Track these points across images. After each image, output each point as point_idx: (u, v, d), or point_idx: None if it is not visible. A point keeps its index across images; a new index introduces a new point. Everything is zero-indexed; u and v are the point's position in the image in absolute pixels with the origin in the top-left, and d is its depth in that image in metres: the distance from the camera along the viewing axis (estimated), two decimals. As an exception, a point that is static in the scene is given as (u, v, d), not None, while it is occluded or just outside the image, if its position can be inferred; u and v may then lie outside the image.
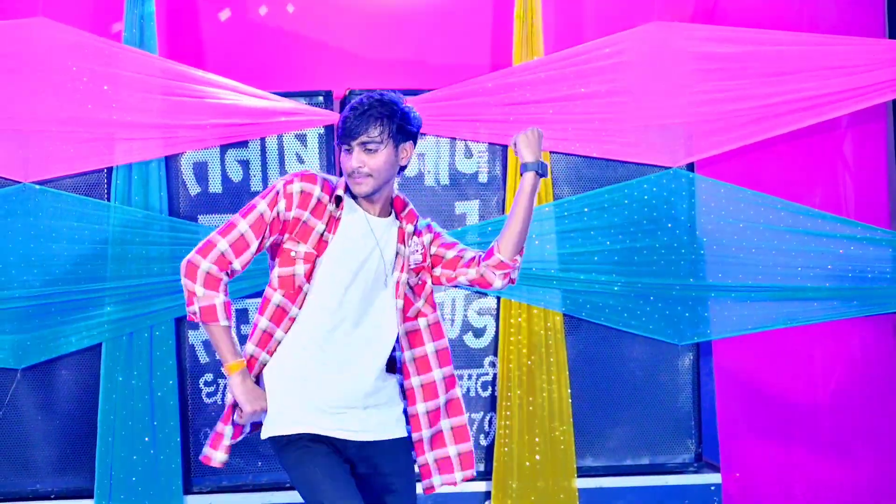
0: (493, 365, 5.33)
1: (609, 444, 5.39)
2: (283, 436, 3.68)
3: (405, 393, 3.77)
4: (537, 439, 5.26)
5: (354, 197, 3.69)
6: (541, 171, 3.76)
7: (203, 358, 5.19)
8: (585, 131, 5.27)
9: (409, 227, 3.75)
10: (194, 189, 5.17)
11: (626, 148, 5.28)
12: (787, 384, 5.56)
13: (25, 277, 5.02)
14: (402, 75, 5.50)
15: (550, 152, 5.27)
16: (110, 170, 5.09)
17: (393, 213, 3.77)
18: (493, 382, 5.33)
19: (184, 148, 5.13)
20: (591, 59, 5.27)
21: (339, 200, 3.64)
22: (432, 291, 3.83)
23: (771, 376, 5.54)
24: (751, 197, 5.36)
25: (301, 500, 3.65)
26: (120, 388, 5.07)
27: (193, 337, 5.19)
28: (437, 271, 3.84)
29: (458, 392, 3.83)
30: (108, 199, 5.09)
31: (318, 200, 3.62)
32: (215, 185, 5.17)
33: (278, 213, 3.60)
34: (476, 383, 5.33)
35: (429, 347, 3.78)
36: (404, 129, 3.63)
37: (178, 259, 5.03)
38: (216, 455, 3.81)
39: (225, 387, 5.18)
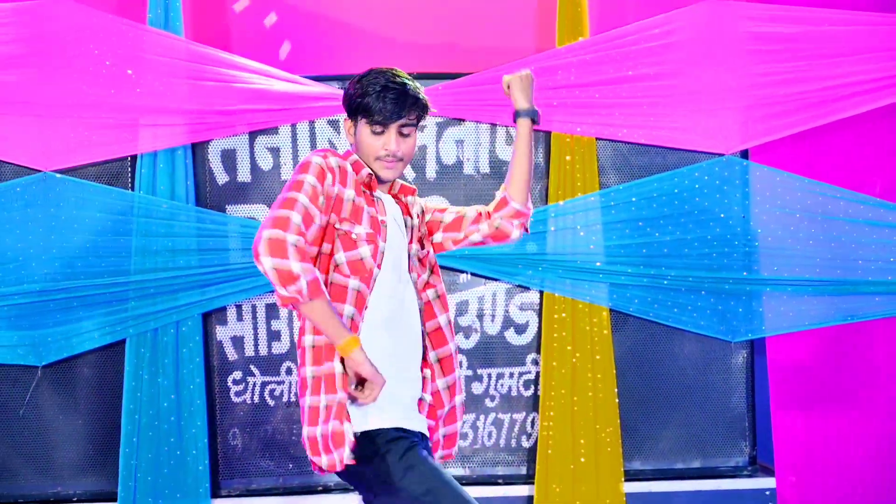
0: (535, 363, 5.15)
1: (658, 447, 5.21)
2: (378, 429, 3.43)
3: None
4: (582, 441, 5.08)
5: None
6: (535, 119, 3.74)
7: (231, 355, 5.04)
8: (633, 116, 5.08)
9: (410, 198, 3.68)
10: (222, 178, 5.02)
11: (676, 134, 5.09)
12: (846, 384, 5.36)
13: (46, 270, 4.89)
14: (440, 58, 5.34)
15: (596, 138, 5.08)
16: (134, 158, 4.96)
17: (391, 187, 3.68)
18: (536, 381, 5.15)
19: (211, 135, 4.97)
20: (639, 41, 5.08)
21: (370, 179, 3.53)
22: (436, 261, 3.70)
23: (829, 375, 5.35)
24: (808, 186, 5.16)
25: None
26: (145, 387, 4.93)
27: (221, 333, 5.04)
28: (439, 237, 3.75)
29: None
30: (132, 189, 4.95)
31: (355, 180, 3.51)
32: (244, 174, 5.02)
33: (327, 188, 3.41)
34: (518, 382, 5.15)
35: (441, 319, 3.64)
36: (427, 109, 3.60)
37: (205, 251, 4.91)
38: (346, 452, 3.38)
39: (255, 385, 5.02)
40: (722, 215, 5.12)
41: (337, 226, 3.45)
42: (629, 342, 5.18)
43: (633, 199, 5.09)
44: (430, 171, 5.08)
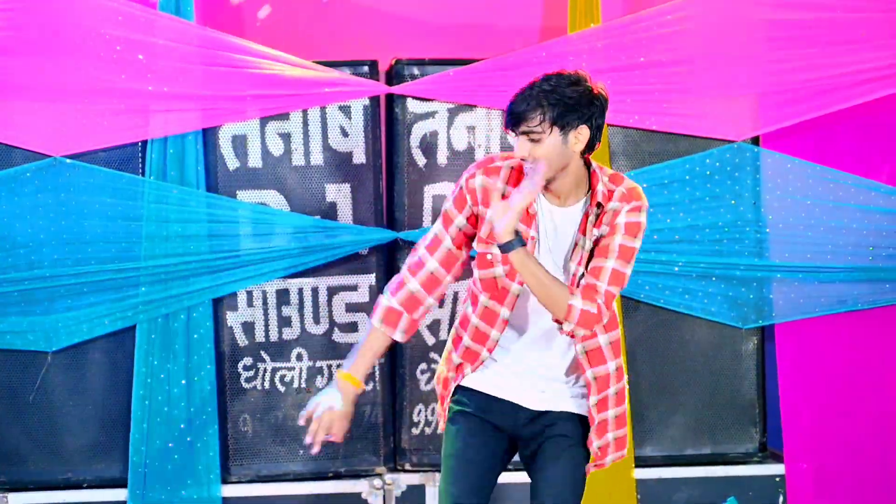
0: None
1: (669, 433, 5.33)
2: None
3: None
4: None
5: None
6: (515, 246, 3.49)
7: (242, 341, 5.15)
8: (645, 103, 5.20)
9: (595, 211, 3.57)
10: (233, 163, 5.12)
11: (687, 120, 5.21)
12: (858, 371, 5.47)
13: (56, 256, 4.98)
14: (452, 44, 5.44)
15: (608, 125, 5.18)
16: (145, 143, 5.05)
17: (586, 197, 3.60)
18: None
19: (222, 120, 5.07)
20: (651, 27, 5.19)
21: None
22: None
23: (839, 362, 5.45)
24: (820, 173, 5.28)
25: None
26: (155, 373, 5.03)
27: (232, 319, 5.14)
28: None
29: (625, 382, 3.80)
30: (143, 174, 5.04)
31: (503, 195, 3.54)
32: (255, 160, 5.12)
33: (466, 211, 3.61)
34: (528, 368, 5.26)
35: (601, 339, 3.68)
36: (570, 114, 3.46)
37: (216, 237, 5.03)
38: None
39: (265, 371, 5.13)
40: (733, 202, 5.24)
41: (474, 245, 3.61)
42: (640, 328, 5.30)
43: (644, 186, 5.16)
44: (441, 157, 5.19)
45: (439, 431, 3.91)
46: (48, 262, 4.98)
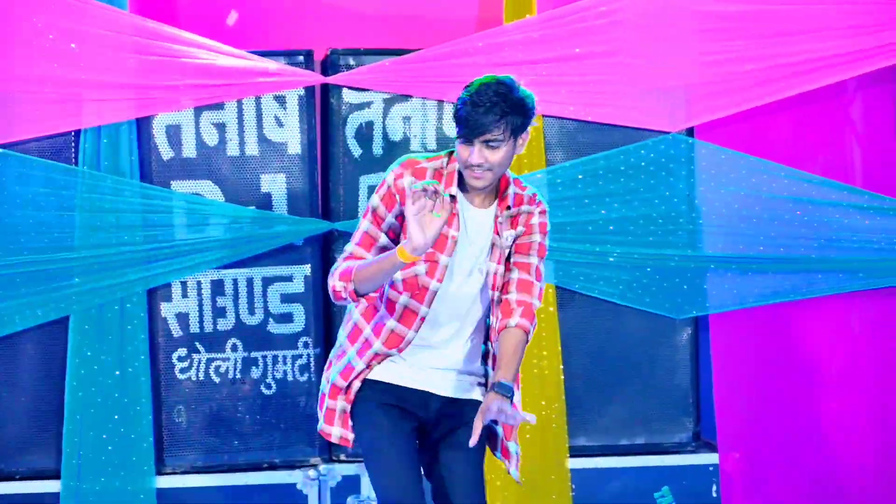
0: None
1: (603, 423, 5.37)
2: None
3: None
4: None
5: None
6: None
7: (176, 332, 5.15)
8: (580, 94, 5.24)
9: (506, 213, 3.77)
10: (167, 153, 5.11)
11: (622, 111, 5.25)
12: (790, 361, 5.54)
13: (-12, 246, 4.97)
14: (387, 34, 5.46)
15: (543, 115, 5.22)
16: (78, 133, 5.03)
17: (497, 198, 3.79)
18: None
19: (156, 110, 5.06)
20: (586, 18, 5.22)
21: (453, 199, 3.70)
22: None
23: (772, 353, 5.52)
24: (753, 164, 5.34)
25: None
26: (88, 364, 5.02)
27: (166, 310, 5.14)
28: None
29: None
30: (76, 164, 5.02)
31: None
32: (189, 150, 5.11)
33: (395, 211, 3.71)
34: (464, 359, 5.29)
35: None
36: (525, 122, 3.64)
37: (150, 227, 5.02)
38: (334, 431, 3.87)
39: (200, 362, 5.13)
40: (667, 193, 5.28)
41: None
42: (574, 319, 5.33)
43: (580, 177, 5.24)
44: (377, 148, 5.20)
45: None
46: (-21, 252, 4.96)
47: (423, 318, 3.75)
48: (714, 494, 5.37)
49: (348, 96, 5.17)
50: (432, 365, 3.82)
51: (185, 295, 5.15)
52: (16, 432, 5.09)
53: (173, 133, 5.10)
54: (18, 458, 5.10)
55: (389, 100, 5.20)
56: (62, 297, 5.01)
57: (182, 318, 5.14)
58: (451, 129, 5.22)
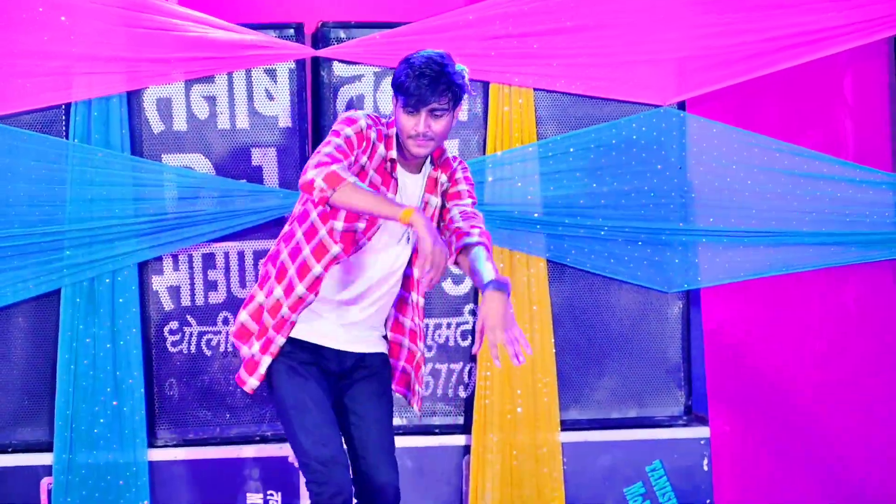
0: (472, 313, 5.32)
1: (595, 397, 5.40)
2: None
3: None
4: (519, 391, 5.26)
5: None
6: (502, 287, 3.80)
7: (168, 305, 5.17)
8: (571, 67, 5.24)
9: (443, 177, 4.05)
10: (158, 127, 5.12)
11: (614, 85, 5.25)
12: (781, 333, 5.57)
13: (-21, 219, 4.99)
14: (377, 7, 5.45)
15: (534, 89, 5.23)
16: (69, 106, 5.03)
17: (427, 163, 4.03)
18: (473, 331, 5.31)
19: (146, 83, 5.07)
20: (578, -10, 5.23)
21: (393, 163, 3.94)
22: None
23: (763, 326, 5.54)
24: (745, 137, 5.35)
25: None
26: (80, 337, 5.04)
27: (157, 283, 5.16)
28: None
29: None
30: (67, 137, 5.03)
31: (382, 158, 3.94)
32: (180, 123, 5.12)
33: (357, 153, 3.87)
34: (455, 332, 5.32)
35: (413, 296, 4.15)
36: (462, 95, 3.89)
37: (141, 200, 5.04)
38: (250, 381, 4.04)
39: (191, 335, 5.15)
40: (659, 166, 5.29)
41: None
42: (566, 293, 5.35)
43: (571, 150, 5.25)
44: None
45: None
46: (-30, 225, 4.98)
47: (340, 266, 3.94)
48: (705, 468, 5.39)
49: (339, 69, 5.18)
50: (350, 320, 4.02)
51: (176, 268, 5.17)
52: (8, 405, 5.11)
53: (164, 106, 5.11)
54: (11, 431, 5.12)
55: (380, 73, 5.21)
56: (53, 271, 5.03)
57: (173, 291, 5.16)
58: (442, 103, 5.22)
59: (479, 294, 3.81)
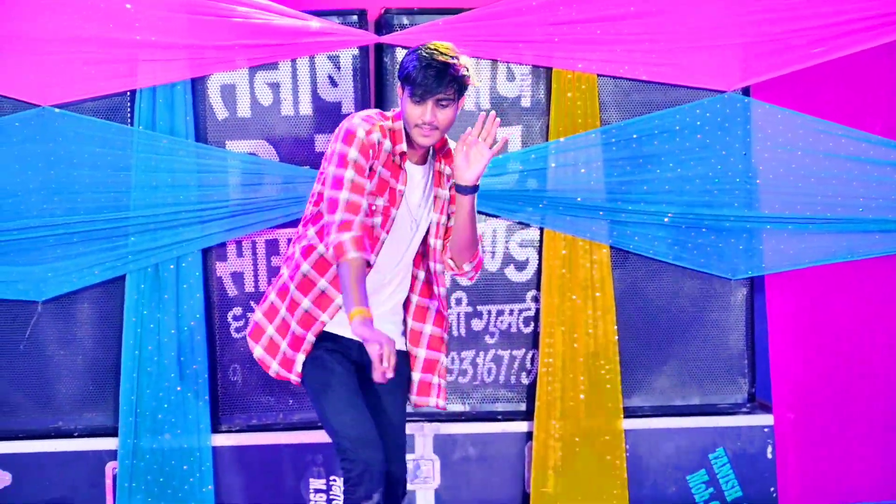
0: (535, 300, 5.32)
1: (657, 384, 5.39)
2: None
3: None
4: (582, 378, 5.26)
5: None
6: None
7: (231, 291, 5.20)
8: (635, 53, 5.22)
9: (447, 169, 4.15)
10: (222, 113, 5.15)
11: (677, 70, 5.23)
12: (846, 322, 5.52)
13: (45, 205, 5.03)
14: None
15: (598, 75, 5.22)
16: (133, 93, 5.07)
17: (430, 154, 4.14)
18: (536, 318, 5.32)
19: (211, 70, 5.10)
20: (641, -25, 5.21)
21: (403, 155, 4.04)
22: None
23: (828, 313, 5.50)
24: (810, 123, 5.31)
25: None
26: (145, 322, 5.09)
27: (221, 269, 5.19)
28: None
29: None
30: (132, 124, 5.07)
31: (388, 153, 4.02)
32: (244, 110, 5.15)
33: (371, 162, 3.96)
34: (517, 319, 5.32)
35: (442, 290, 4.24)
36: (466, 87, 4.01)
37: (205, 187, 5.07)
38: (291, 377, 4.15)
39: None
40: (723, 152, 5.27)
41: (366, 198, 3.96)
42: (629, 279, 5.34)
43: (635, 136, 5.24)
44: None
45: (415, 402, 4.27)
46: (37, 211, 5.02)
47: (370, 266, 3.96)
48: (769, 456, 5.38)
49: (402, 56, 5.17)
50: (375, 313, 4.01)
51: (240, 254, 5.20)
52: (74, 390, 5.17)
53: (228, 93, 5.14)
54: (76, 416, 5.18)
55: (443, 59, 5.21)
56: (118, 257, 5.08)
57: (237, 277, 5.19)
58: (505, 90, 5.24)
59: (459, 196, 4.09)
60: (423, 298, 4.21)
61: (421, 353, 4.22)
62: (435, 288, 4.19)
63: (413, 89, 3.94)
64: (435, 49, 3.97)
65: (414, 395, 4.26)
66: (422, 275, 4.20)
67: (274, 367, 4.15)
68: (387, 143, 4.00)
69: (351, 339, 4.10)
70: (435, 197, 4.15)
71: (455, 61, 3.95)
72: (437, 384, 4.26)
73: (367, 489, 3.97)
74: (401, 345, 4.23)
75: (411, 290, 4.21)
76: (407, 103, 3.97)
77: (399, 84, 4.01)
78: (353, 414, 4.02)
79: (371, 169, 3.96)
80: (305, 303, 4.08)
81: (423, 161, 4.12)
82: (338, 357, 4.12)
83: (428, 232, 4.16)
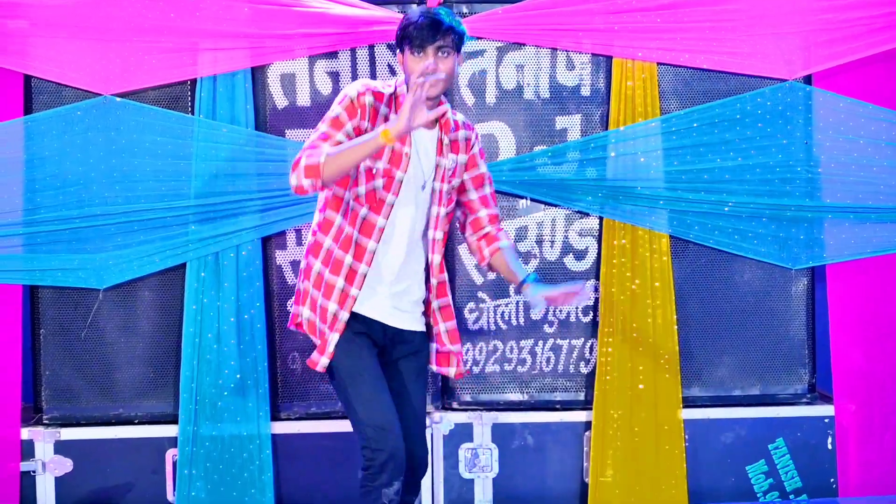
0: (594, 289, 5.32)
1: (717, 374, 5.38)
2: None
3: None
4: (641, 367, 5.26)
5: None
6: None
7: (290, 279, 5.23)
8: (695, 41, 5.21)
9: (446, 139, 4.25)
10: (281, 102, 5.18)
11: (738, 59, 5.21)
12: (908, 312, 5.49)
13: (107, 194, 5.08)
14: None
15: (658, 63, 5.21)
16: (194, 82, 5.11)
17: (436, 127, 4.25)
18: (595, 307, 5.32)
19: (270, 59, 5.13)
20: (703, -36, 5.20)
21: (395, 99, 4.17)
22: (452, 213, 4.40)
23: (890, 303, 5.47)
24: (872, 112, 5.28)
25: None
26: (205, 310, 5.13)
27: (280, 257, 5.23)
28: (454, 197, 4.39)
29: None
30: (192, 113, 5.11)
31: (377, 112, 4.15)
32: (303, 98, 5.18)
33: (355, 123, 4.10)
34: (576, 308, 5.32)
35: (437, 258, 4.36)
36: (463, 40, 4.17)
37: (265, 176, 5.10)
38: (322, 360, 4.23)
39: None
40: (784, 142, 5.25)
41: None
42: (689, 269, 5.34)
43: (695, 125, 5.23)
44: (490, 97, 5.23)
45: (437, 371, 4.45)
46: (98, 200, 5.07)
47: (381, 230, 4.15)
48: (829, 447, 5.36)
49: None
50: (396, 290, 4.25)
51: (299, 243, 5.23)
52: (134, 378, 5.22)
53: (287, 82, 5.17)
54: (137, 403, 5.24)
55: (503, 48, 5.22)
56: (178, 245, 5.12)
57: (297, 265, 5.22)
58: (565, 79, 5.24)
59: (520, 287, 4.35)
60: (440, 274, 4.36)
61: (443, 327, 4.36)
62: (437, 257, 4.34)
63: (411, 42, 4.09)
64: (423, 7, 4.19)
65: (434, 366, 4.41)
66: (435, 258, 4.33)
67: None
68: (382, 108, 4.14)
69: (378, 322, 4.23)
70: (436, 165, 4.25)
71: (445, 14, 4.12)
72: (456, 352, 4.40)
73: (389, 477, 4.09)
74: (421, 325, 4.35)
75: (430, 270, 4.33)
76: (409, 60, 4.11)
77: (398, 53, 4.16)
78: (378, 403, 4.12)
79: (358, 128, 4.09)
80: (340, 281, 4.19)
81: (432, 126, 4.23)
82: (364, 340, 4.22)
83: (431, 201, 4.27)
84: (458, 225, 4.50)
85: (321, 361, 4.22)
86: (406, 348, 4.35)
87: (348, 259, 4.17)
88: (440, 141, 4.25)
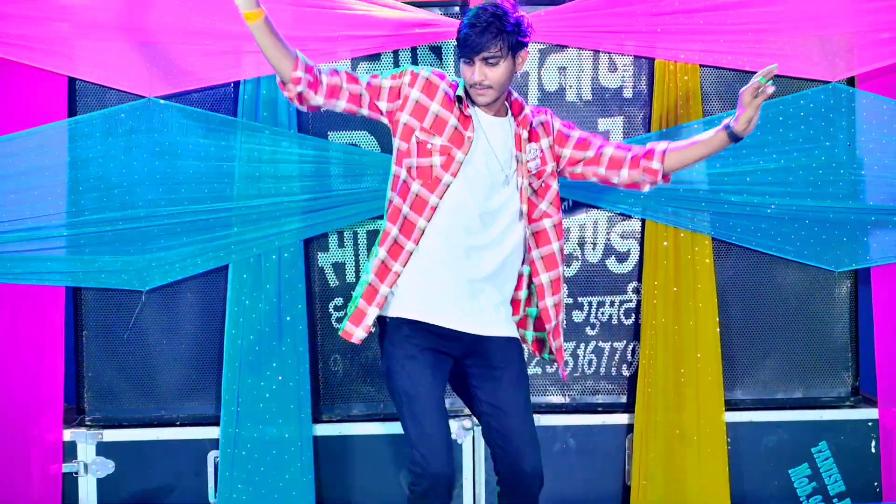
0: (636, 291, 5.33)
1: (760, 377, 5.38)
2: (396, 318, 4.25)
3: (535, 289, 4.34)
4: (683, 370, 5.26)
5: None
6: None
7: (333, 281, 5.26)
8: (738, 43, 5.22)
9: (525, 133, 4.25)
10: (324, 104, 5.20)
11: (781, 60, 5.20)
12: (953, 315, 5.48)
13: (150, 196, 5.11)
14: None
15: (700, 65, 5.22)
16: (237, 84, 5.15)
17: (510, 114, 4.27)
18: (637, 310, 5.33)
19: (314, 61, 5.13)
20: (746, -35, 5.21)
21: (460, 100, 4.17)
22: (558, 193, 4.36)
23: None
24: (916, 114, 5.29)
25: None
26: (247, 312, 5.15)
27: (323, 259, 5.26)
28: (579, 169, 4.39)
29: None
30: (236, 115, 5.14)
31: (446, 94, 4.18)
32: (346, 101, 5.20)
33: (400, 86, 4.19)
34: (618, 310, 5.34)
35: (555, 245, 4.32)
36: (520, 41, 4.11)
37: (307, 178, 5.14)
38: (357, 332, 4.27)
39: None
40: (827, 143, 5.25)
41: (416, 133, 4.18)
42: (731, 271, 5.34)
43: (738, 127, 5.23)
44: (532, 98, 5.25)
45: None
46: (142, 202, 5.11)
47: (433, 209, 4.13)
48: (873, 450, 5.36)
49: (504, 47, 5.22)
50: (470, 277, 4.18)
51: (341, 245, 5.26)
52: (176, 379, 5.26)
53: (330, 84, 5.19)
54: (179, 405, 5.27)
55: (545, 50, 5.24)
56: (221, 247, 5.15)
57: (338, 267, 5.25)
58: (607, 81, 5.26)
59: (730, 129, 4.35)
60: (549, 272, 4.34)
61: (552, 325, 4.36)
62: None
63: (461, 51, 4.09)
64: (482, 7, 4.10)
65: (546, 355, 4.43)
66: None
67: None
68: (444, 85, 4.18)
69: (450, 331, 4.18)
70: (517, 160, 4.25)
71: (501, 18, 4.05)
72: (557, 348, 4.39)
73: (430, 503, 4.08)
74: (510, 330, 4.28)
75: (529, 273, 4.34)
76: (462, 66, 4.13)
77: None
78: (430, 424, 4.09)
79: (396, 90, 4.18)
80: (384, 254, 4.23)
81: (503, 113, 4.25)
82: (429, 356, 4.17)
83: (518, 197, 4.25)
84: (617, 183, 4.43)
85: (356, 333, 4.25)
86: (495, 360, 4.27)
87: (394, 231, 4.20)
88: (518, 136, 4.25)
